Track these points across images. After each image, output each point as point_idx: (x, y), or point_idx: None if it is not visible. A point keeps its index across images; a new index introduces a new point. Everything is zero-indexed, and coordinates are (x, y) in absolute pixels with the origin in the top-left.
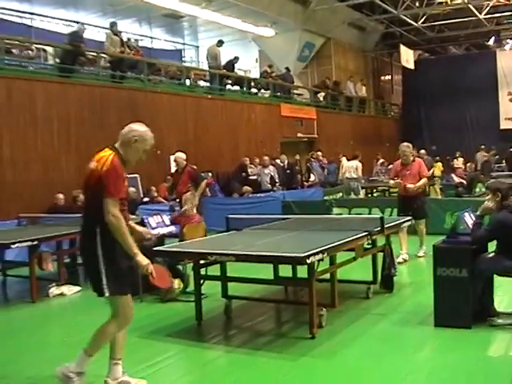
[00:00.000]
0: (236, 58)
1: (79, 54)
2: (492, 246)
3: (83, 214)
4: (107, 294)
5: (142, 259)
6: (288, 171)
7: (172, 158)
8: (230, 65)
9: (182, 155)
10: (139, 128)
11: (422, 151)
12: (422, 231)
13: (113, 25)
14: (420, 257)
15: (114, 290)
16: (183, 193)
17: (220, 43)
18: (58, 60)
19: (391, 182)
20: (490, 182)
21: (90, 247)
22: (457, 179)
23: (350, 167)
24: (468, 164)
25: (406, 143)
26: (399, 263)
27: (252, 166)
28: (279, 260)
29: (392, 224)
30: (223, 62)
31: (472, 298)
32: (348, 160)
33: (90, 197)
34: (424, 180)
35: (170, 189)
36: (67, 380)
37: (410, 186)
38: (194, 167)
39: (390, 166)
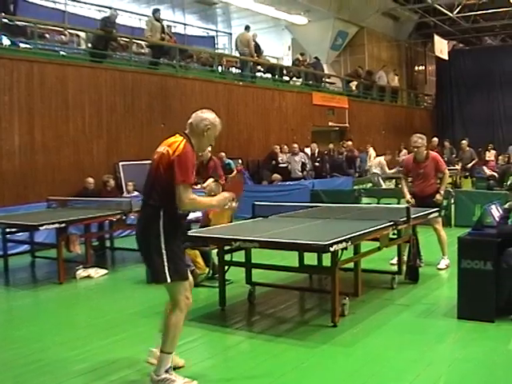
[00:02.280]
0: (254, 35)
1: (111, 39)
2: None
3: (146, 197)
4: (169, 281)
5: (221, 197)
6: (318, 160)
7: None
8: (257, 47)
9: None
10: (209, 116)
11: (464, 141)
12: (441, 233)
13: (155, 11)
14: (440, 269)
15: (176, 276)
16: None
17: (247, 29)
18: (90, 45)
19: (405, 197)
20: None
21: (153, 230)
22: (488, 172)
23: (375, 163)
24: (500, 157)
25: (418, 134)
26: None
27: (282, 154)
28: (302, 247)
29: (418, 215)
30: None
31: (497, 291)
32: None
33: (156, 180)
34: (446, 178)
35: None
36: (165, 382)
37: (438, 197)
38: (217, 160)
39: None
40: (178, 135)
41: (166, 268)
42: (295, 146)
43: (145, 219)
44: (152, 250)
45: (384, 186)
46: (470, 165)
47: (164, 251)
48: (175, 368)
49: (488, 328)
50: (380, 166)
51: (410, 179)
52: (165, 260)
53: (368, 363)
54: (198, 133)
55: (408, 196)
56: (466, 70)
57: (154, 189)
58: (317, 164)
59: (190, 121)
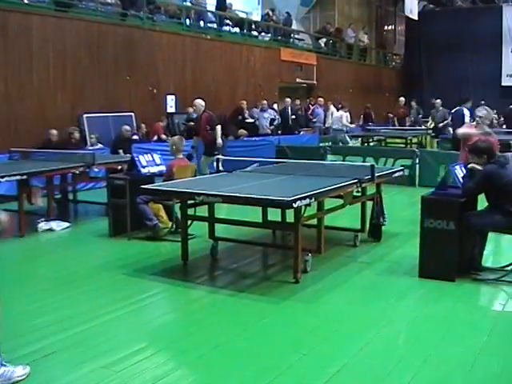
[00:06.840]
0: None
1: None
2: (483, 202)
3: None
4: None
5: None
6: (293, 116)
7: (168, 97)
8: (223, 1)
9: (200, 101)
10: None
11: (438, 101)
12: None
13: None
14: None
15: None
16: (204, 137)
17: None
18: None
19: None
20: (472, 146)
21: None
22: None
23: (336, 118)
24: None
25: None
26: None
27: (249, 109)
28: (265, 203)
29: (383, 173)
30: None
31: (458, 251)
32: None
33: None
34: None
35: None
36: None
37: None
38: (210, 113)
39: None
40: None
41: None
42: (264, 102)
43: None
44: None
45: (350, 144)
46: (441, 124)
47: None
48: None
49: (449, 287)
50: (340, 121)
51: None
52: None
53: (329, 320)
54: None
55: None
56: (436, 31)
57: None
58: (293, 117)
59: None
